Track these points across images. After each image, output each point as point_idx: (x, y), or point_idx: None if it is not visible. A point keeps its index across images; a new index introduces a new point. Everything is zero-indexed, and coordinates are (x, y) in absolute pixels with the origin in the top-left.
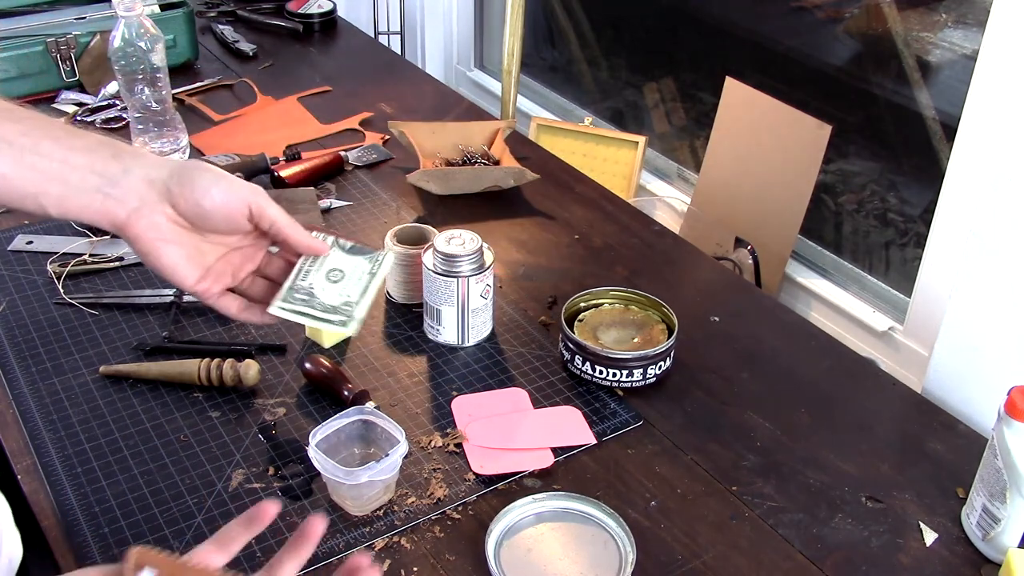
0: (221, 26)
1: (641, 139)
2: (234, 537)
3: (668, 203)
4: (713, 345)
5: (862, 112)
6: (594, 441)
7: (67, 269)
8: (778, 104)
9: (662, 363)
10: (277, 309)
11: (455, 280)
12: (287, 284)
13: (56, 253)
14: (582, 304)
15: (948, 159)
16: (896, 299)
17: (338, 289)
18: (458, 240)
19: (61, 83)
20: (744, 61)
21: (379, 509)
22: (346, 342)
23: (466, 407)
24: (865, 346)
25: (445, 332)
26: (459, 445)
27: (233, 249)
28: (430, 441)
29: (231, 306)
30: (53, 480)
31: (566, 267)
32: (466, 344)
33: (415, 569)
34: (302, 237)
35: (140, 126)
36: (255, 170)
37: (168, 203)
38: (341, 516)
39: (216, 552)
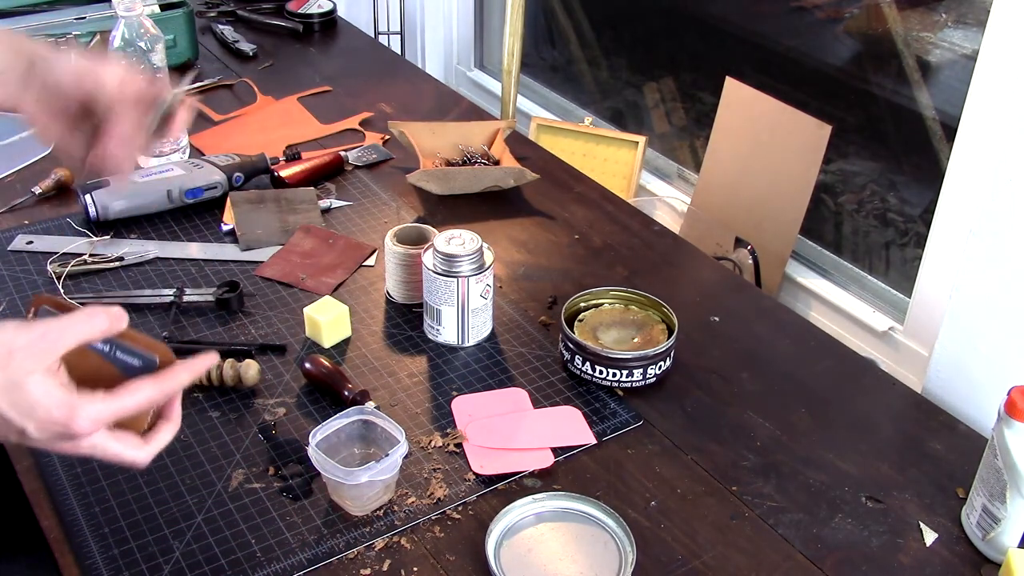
0: (221, 26)
1: (641, 139)
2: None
3: (668, 203)
4: (713, 345)
5: (862, 112)
6: (594, 441)
7: (67, 269)
8: (778, 104)
9: (662, 363)
10: None
11: (455, 280)
12: None
13: (56, 253)
14: (582, 304)
15: (948, 159)
16: (896, 299)
17: None
18: (458, 240)
19: None
20: (744, 61)
21: (379, 509)
22: (346, 342)
23: (466, 407)
24: (865, 346)
25: (445, 332)
26: (459, 445)
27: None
28: (430, 441)
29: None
30: (53, 480)
31: (566, 267)
32: (466, 344)
33: (415, 569)
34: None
35: None
36: (255, 170)
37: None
38: (341, 516)
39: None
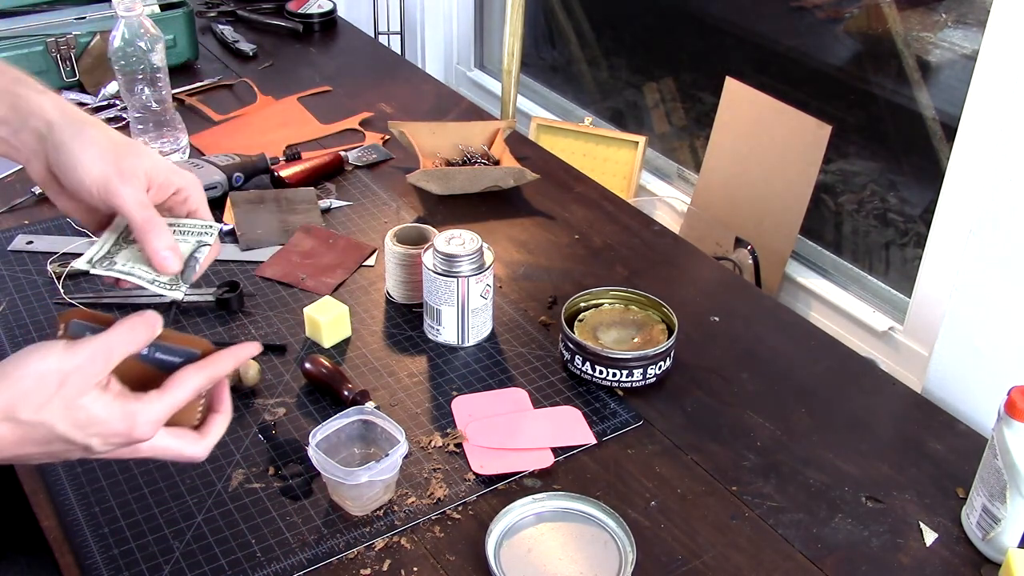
0: (221, 26)
1: (641, 139)
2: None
3: (668, 203)
4: (713, 345)
5: (862, 112)
6: (594, 441)
7: (67, 269)
8: (778, 104)
9: (662, 363)
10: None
11: (455, 280)
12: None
13: (56, 253)
14: (582, 304)
15: (948, 159)
16: (896, 299)
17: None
18: (458, 240)
19: (61, 83)
20: (744, 61)
21: (379, 509)
22: (346, 342)
23: (466, 407)
24: (865, 346)
25: (445, 332)
26: (459, 445)
27: None
28: (430, 441)
29: None
30: (53, 480)
31: (566, 267)
32: (466, 344)
33: (415, 569)
34: (150, 247)
35: (140, 126)
36: (255, 170)
37: (48, 162)
38: (341, 516)
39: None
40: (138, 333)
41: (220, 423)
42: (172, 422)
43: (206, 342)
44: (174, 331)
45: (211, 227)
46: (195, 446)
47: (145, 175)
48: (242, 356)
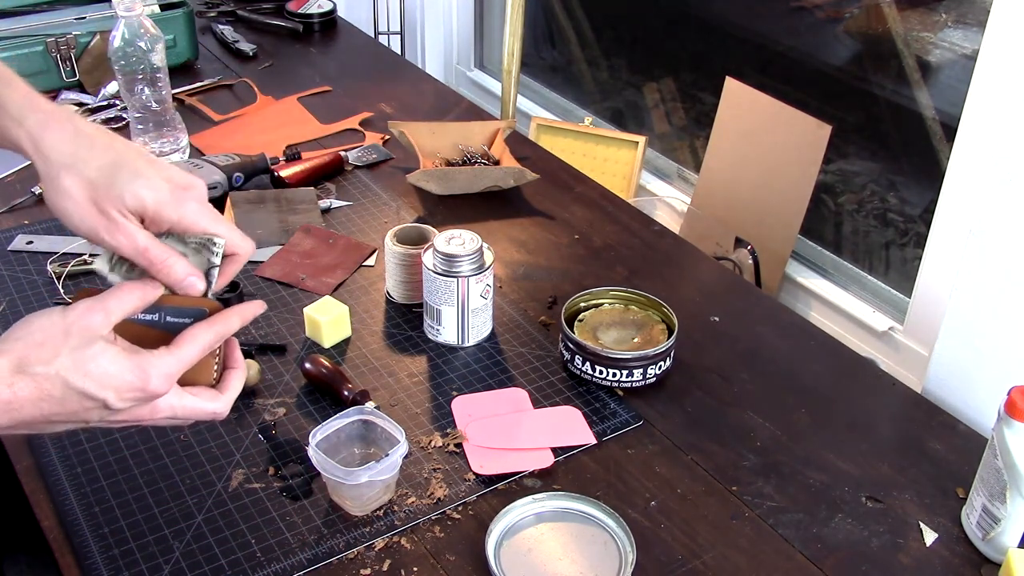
0: (221, 26)
1: (641, 139)
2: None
3: (668, 203)
4: (713, 345)
5: (862, 112)
6: (594, 441)
7: (67, 269)
8: (778, 104)
9: (662, 363)
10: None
11: (455, 280)
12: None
13: (56, 253)
14: (582, 304)
15: (948, 159)
16: (896, 299)
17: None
18: (458, 240)
19: (61, 83)
20: (744, 61)
21: (379, 509)
22: (346, 342)
23: (466, 407)
24: (865, 346)
25: (445, 332)
26: (459, 445)
27: None
28: (430, 441)
29: None
30: (53, 480)
31: (566, 267)
32: (466, 344)
33: (415, 569)
34: (168, 281)
35: (140, 126)
36: (255, 170)
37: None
38: (341, 516)
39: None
40: (135, 292)
41: (237, 378)
42: (189, 381)
43: (213, 301)
44: (181, 295)
45: (215, 244)
46: (215, 402)
47: (135, 200)
48: (248, 315)
